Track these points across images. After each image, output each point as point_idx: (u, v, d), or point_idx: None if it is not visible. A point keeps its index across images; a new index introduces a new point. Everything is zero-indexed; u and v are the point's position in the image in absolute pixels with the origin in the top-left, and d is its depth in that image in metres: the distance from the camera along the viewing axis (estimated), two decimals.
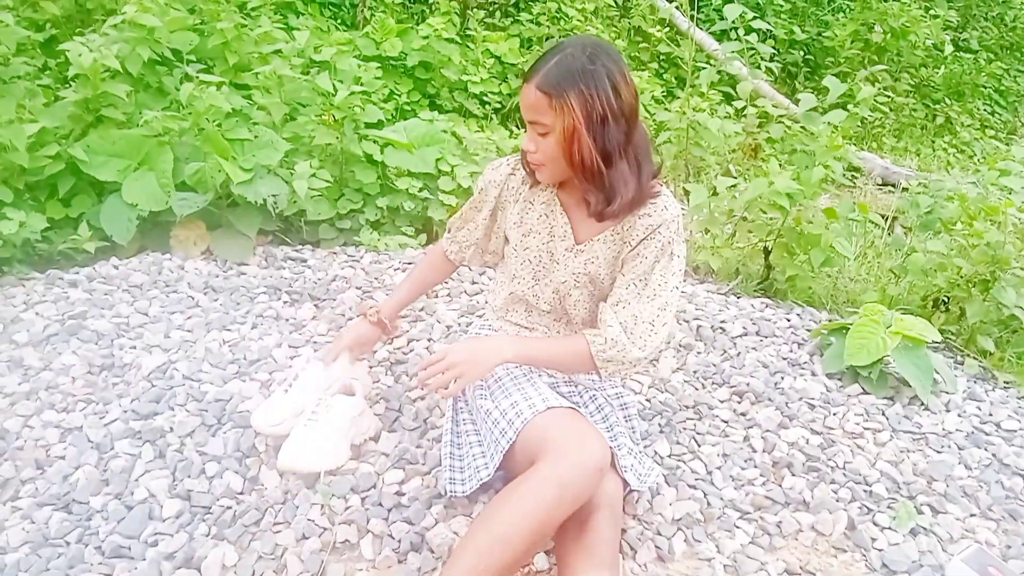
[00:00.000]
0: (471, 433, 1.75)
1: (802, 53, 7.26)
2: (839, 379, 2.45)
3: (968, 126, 7.44)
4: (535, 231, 1.77)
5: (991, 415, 2.36)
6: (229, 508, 1.72)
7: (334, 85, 3.31)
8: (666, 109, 4.14)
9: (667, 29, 6.28)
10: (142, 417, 1.98)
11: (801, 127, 2.98)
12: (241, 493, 1.78)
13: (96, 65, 2.91)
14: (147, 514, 1.70)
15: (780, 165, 3.33)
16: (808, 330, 2.77)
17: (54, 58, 3.53)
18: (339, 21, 5.70)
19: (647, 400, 2.24)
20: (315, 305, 2.58)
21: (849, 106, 2.88)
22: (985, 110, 7.86)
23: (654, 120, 4.46)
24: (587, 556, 1.45)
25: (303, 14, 5.34)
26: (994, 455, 2.15)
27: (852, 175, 5.19)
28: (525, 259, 1.79)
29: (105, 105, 3.01)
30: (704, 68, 3.42)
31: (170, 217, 2.81)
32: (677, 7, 5.27)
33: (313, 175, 3.00)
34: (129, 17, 3.09)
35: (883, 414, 2.28)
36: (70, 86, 3.06)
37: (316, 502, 1.73)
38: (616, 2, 6.69)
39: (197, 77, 2.96)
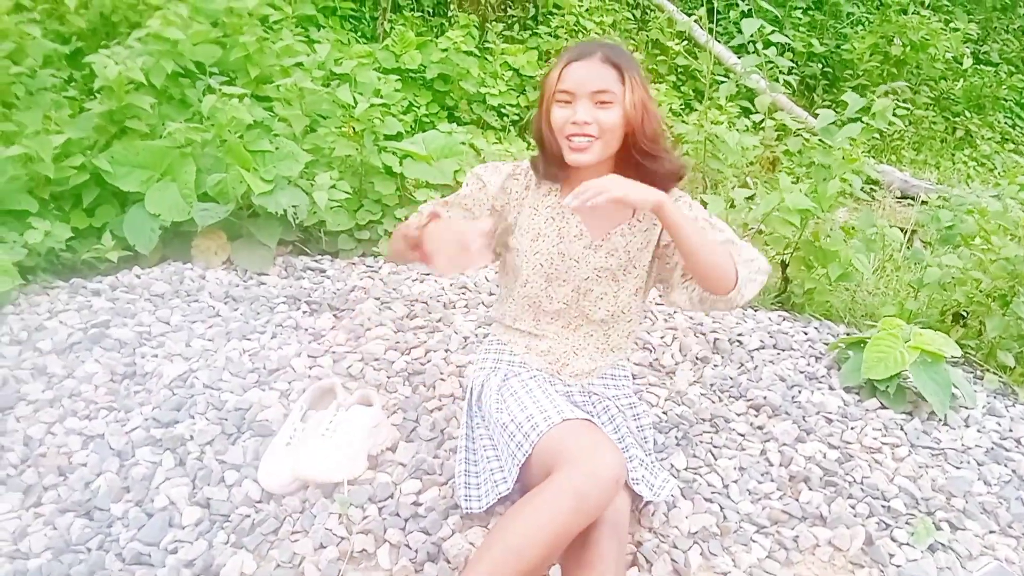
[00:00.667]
0: (488, 448, 1.75)
1: (821, 66, 7.24)
2: (857, 393, 2.44)
3: (988, 139, 7.39)
4: (544, 234, 1.78)
5: (1011, 431, 2.34)
6: (248, 516, 1.74)
7: (354, 97, 3.34)
8: (684, 121, 4.14)
9: (685, 42, 6.30)
10: (163, 425, 2.00)
11: (819, 140, 2.98)
12: (260, 502, 1.80)
13: (121, 77, 2.96)
14: (167, 521, 1.72)
15: (797, 179, 3.33)
16: (826, 344, 2.76)
17: (80, 70, 3.59)
18: (359, 34, 5.75)
19: (663, 413, 2.25)
20: (334, 315, 2.60)
21: (865, 119, 2.87)
22: (1006, 123, 7.80)
23: (672, 132, 4.47)
24: (587, 572, 1.44)
25: (324, 27, 5.40)
26: (1014, 471, 2.13)
27: (871, 188, 5.17)
28: (536, 263, 1.79)
29: (129, 117, 3.06)
30: (722, 81, 3.43)
31: (192, 227, 2.85)
32: (696, 20, 5.28)
33: (333, 186, 3.02)
34: (154, 30, 3.14)
35: (901, 429, 2.27)
36: (95, 98, 3.11)
37: (334, 511, 1.74)
38: (634, 15, 6.71)
39: (220, 89, 3.00)
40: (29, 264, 2.63)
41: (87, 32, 3.79)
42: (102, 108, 3.02)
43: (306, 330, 2.50)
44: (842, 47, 7.36)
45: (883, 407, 2.37)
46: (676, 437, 2.14)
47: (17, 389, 2.09)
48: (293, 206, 2.90)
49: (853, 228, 3.03)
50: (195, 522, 1.73)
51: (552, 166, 1.73)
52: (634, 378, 2.39)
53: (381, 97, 3.64)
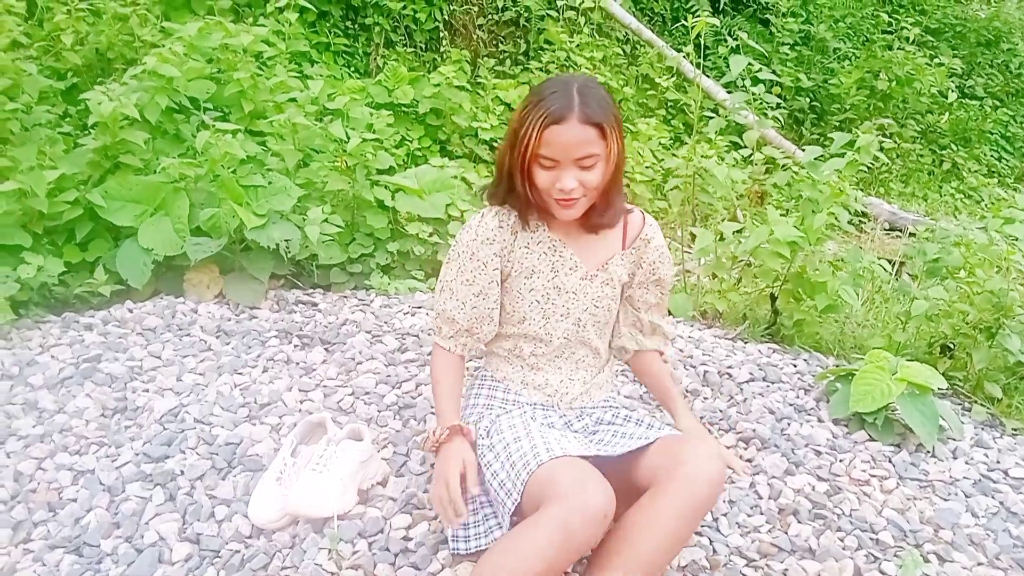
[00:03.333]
0: (480, 495, 1.72)
1: (808, 100, 7.34)
2: (845, 425, 2.45)
3: (975, 172, 7.48)
4: (538, 271, 1.79)
5: (999, 462, 2.35)
6: (238, 552, 1.74)
7: (347, 132, 3.38)
8: (674, 155, 4.19)
9: (674, 77, 6.38)
10: (153, 460, 2.00)
11: (807, 174, 3.03)
12: (250, 537, 1.80)
13: (115, 113, 2.99)
14: (157, 557, 1.72)
15: (786, 212, 3.37)
16: (815, 376, 2.78)
17: (75, 106, 3.63)
18: (352, 69, 5.82)
19: None
20: (325, 349, 2.61)
21: (849, 154, 2.92)
22: (992, 156, 7.91)
23: (661, 166, 4.52)
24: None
25: (317, 62, 5.46)
26: (1001, 503, 2.14)
27: (860, 220, 5.22)
28: (532, 300, 1.81)
29: (123, 152, 3.09)
30: (712, 116, 3.48)
31: (184, 261, 2.87)
32: (684, 56, 5.36)
33: (325, 220, 3.05)
34: (149, 67, 3.18)
35: (890, 461, 2.28)
36: (89, 133, 3.14)
37: (324, 546, 1.74)
38: (624, 50, 6.80)
39: (213, 125, 3.03)
40: (22, 299, 2.64)
41: (83, 69, 3.84)
42: (96, 144, 3.05)
43: (297, 364, 2.51)
44: (829, 82, 7.46)
45: (871, 439, 2.38)
46: None
47: (8, 424, 2.10)
48: (285, 240, 2.92)
49: (842, 260, 3.07)
50: (185, 558, 1.73)
51: (533, 210, 1.75)
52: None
53: (373, 132, 3.68)
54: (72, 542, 1.77)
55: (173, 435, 2.09)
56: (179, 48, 3.38)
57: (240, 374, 2.41)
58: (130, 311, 2.72)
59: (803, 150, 3.20)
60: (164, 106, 3.22)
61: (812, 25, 7.81)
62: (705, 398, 2.55)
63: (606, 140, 1.60)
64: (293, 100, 3.51)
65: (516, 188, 1.68)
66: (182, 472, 1.97)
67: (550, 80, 1.65)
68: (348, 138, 3.31)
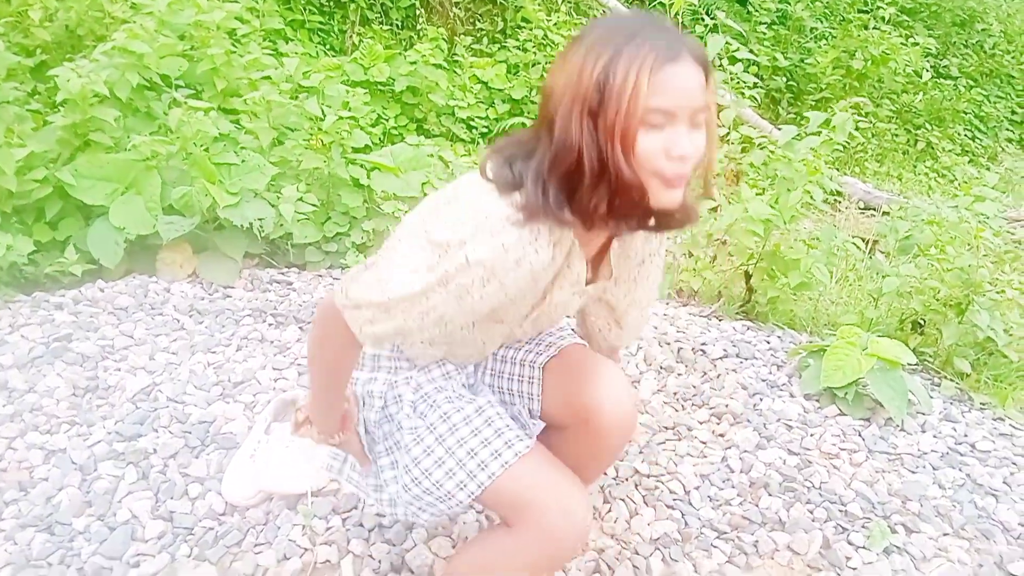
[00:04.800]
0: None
1: (785, 79, 7.36)
2: (817, 400, 2.48)
3: (949, 151, 7.55)
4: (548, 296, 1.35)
5: (966, 436, 2.39)
6: (211, 529, 1.74)
7: (322, 110, 3.35)
8: None
9: None
10: (126, 439, 1.99)
11: (783, 154, 3.04)
12: (223, 514, 1.80)
13: (85, 90, 2.94)
14: (130, 535, 1.72)
15: (762, 191, 3.39)
16: (788, 352, 2.81)
17: (44, 83, 3.56)
18: (328, 47, 5.76)
19: None
20: (300, 328, 2.60)
21: (824, 132, 2.94)
22: (966, 135, 7.98)
23: None
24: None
25: (292, 40, 5.40)
26: (968, 475, 2.18)
27: (835, 199, 5.26)
28: (503, 331, 1.42)
29: (93, 130, 3.04)
30: None
31: (157, 240, 2.84)
32: None
33: (300, 199, 3.03)
34: (119, 43, 3.13)
35: (859, 435, 2.31)
36: (59, 111, 3.09)
37: (298, 523, 1.75)
38: None
39: (185, 102, 3.00)
40: None
41: (52, 45, 3.76)
42: (65, 121, 2.99)
43: (271, 343, 2.50)
44: (806, 61, 7.49)
45: (842, 414, 2.42)
46: (639, 445, 2.16)
47: None
48: (259, 219, 2.90)
49: (816, 239, 3.09)
50: (158, 535, 1.73)
51: (611, 218, 1.16)
52: None
53: (349, 110, 3.65)
54: (44, 520, 1.76)
55: (146, 414, 2.07)
56: (150, 24, 3.32)
57: (213, 353, 2.40)
58: (101, 290, 2.70)
59: (779, 129, 3.22)
60: (135, 83, 3.17)
61: (789, 4, 7.82)
62: (679, 374, 2.57)
63: (712, 92, 1.15)
64: (267, 78, 3.47)
65: (612, 174, 1.09)
66: (155, 451, 1.96)
67: (617, 16, 1.16)
68: (324, 116, 3.28)
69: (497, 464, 1.29)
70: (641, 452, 2.13)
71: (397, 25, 6.14)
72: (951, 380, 2.77)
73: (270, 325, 2.61)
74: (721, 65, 3.41)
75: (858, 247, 3.25)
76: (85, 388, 2.17)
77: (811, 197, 2.95)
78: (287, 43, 5.26)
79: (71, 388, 2.16)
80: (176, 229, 2.79)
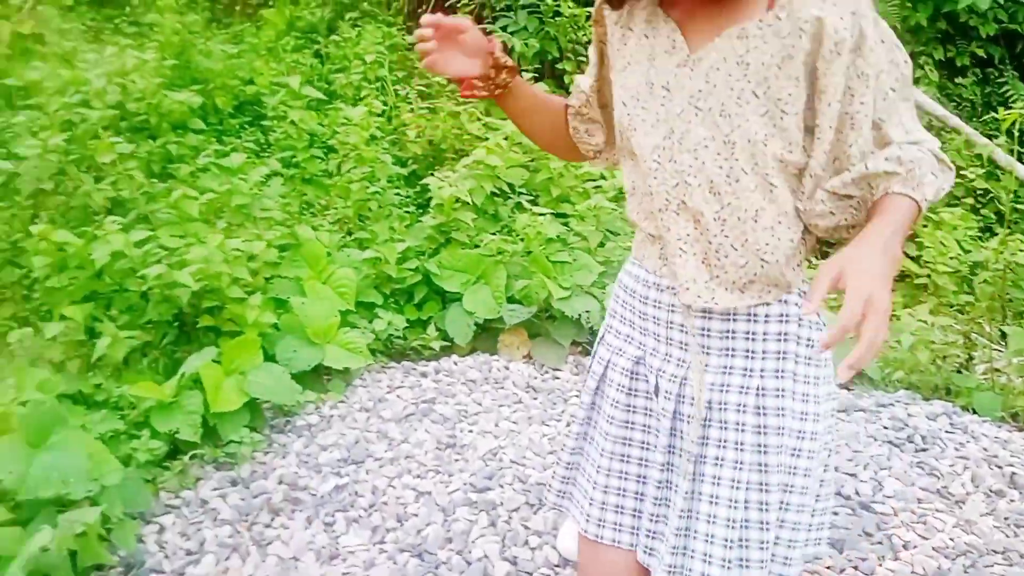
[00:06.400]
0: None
1: None
2: None
3: None
4: (634, 60, 1.18)
5: None
6: None
7: None
8: (982, 247, 4.02)
9: (984, 166, 6.06)
10: (478, 490, 2.35)
11: None
12: (558, 566, 2.07)
13: (451, 197, 3.54)
14: (483, 571, 2.04)
15: None
16: None
17: (411, 188, 4.30)
18: None
19: (950, 540, 2.22)
20: None
21: None
22: None
23: (968, 258, 4.33)
24: None
25: None
26: None
27: None
28: (621, 110, 1.20)
29: (455, 229, 3.63)
30: None
31: (500, 324, 3.29)
32: (998, 145, 5.12)
33: None
34: (479, 158, 3.73)
35: None
36: (428, 212, 3.73)
37: None
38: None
39: (530, 210, 3.48)
40: (374, 347, 3.19)
41: (420, 157, 4.53)
42: (434, 221, 3.62)
43: None
44: None
45: None
46: (964, 565, 2.12)
47: (366, 448, 2.56)
48: (586, 311, 3.25)
49: None
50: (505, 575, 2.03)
51: None
52: (864, 413, 2.39)
53: None
54: (415, 548, 2.14)
55: (493, 471, 2.43)
56: (502, 141, 3.92)
57: (547, 425, 2.73)
58: (455, 364, 3.17)
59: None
60: (488, 191, 3.74)
61: None
62: (1012, 500, 2.45)
63: None
64: (599, 187, 3.90)
65: None
66: (501, 503, 2.29)
67: None
68: None
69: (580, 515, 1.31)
70: (966, 573, 2.08)
71: None
72: None
73: None
74: None
75: None
76: (446, 444, 2.59)
77: None
78: None
79: (435, 442, 2.59)
80: (517, 316, 3.23)
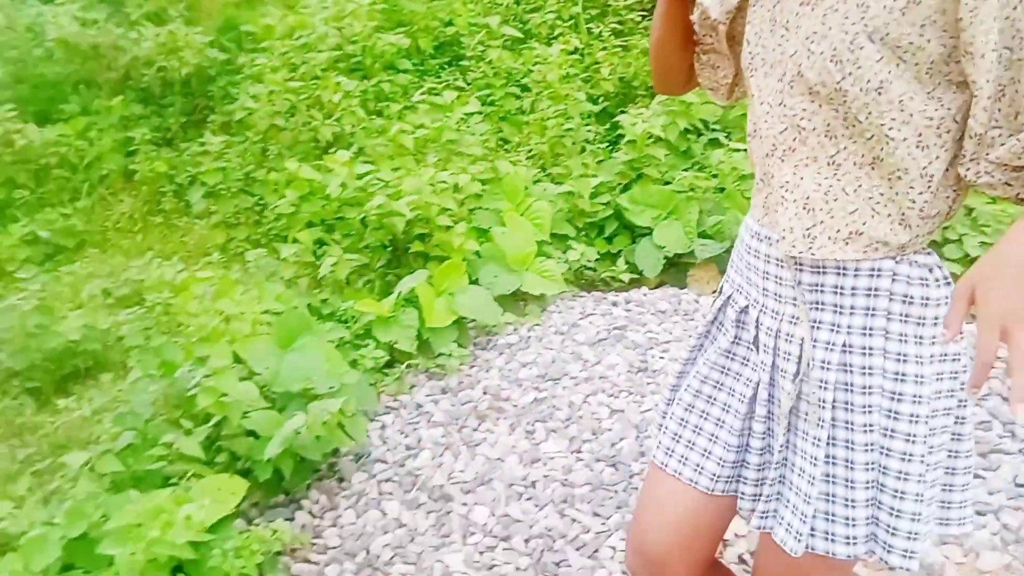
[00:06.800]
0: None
1: None
2: None
3: None
4: None
5: None
6: None
7: None
8: None
9: None
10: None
11: None
12: None
13: (644, 133, 3.60)
14: None
15: None
16: None
17: (602, 125, 4.38)
18: None
19: None
20: None
21: None
22: None
23: None
24: None
25: None
26: None
27: None
28: (746, 51, 1.14)
29: (647, 165, 3.69)
30: None
31: (690, 259, 3.35)
32: None
33: None
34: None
35: None
36: (620, 148, 3.81)
37: None
38: None
39: (727, 145, 3.48)
40: (568, 277, 3.35)
41: (611, 95, 4.59)
42: (626, 157, 3.70)
43: None
44: None
45: None
46: None
47: (562, 367, 2.74)
48: None
49: None
50: None
51: None
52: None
53: None
54: (610, 459, 2.30)
55: None
56: None
57: None
58: (644, 295, 3.28)
59: None
60: (681, 128, 3.77)
61: None
62: None
63: None
64: None
65: None
66: None
67: None
68: None
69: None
70: None
71: None
72: None
73: None
74: None
75: None
76: (638, 368, 2.72)
77: None
78: None
79: (627, 365, 2.72)
80: (708, 251, 3.28)
